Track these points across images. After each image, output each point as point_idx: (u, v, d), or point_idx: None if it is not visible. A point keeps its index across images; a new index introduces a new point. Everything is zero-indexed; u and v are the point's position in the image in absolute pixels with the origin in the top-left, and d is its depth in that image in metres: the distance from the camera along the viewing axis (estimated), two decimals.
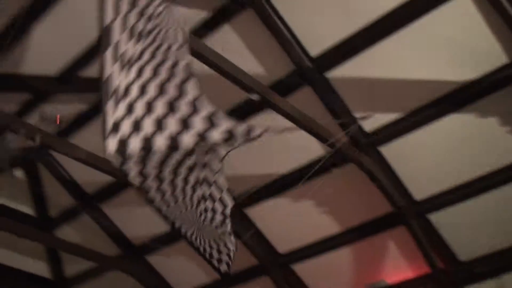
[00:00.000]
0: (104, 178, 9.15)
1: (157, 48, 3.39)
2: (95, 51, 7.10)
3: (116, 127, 3.12)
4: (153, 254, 10.11)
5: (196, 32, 6.75)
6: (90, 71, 7.52)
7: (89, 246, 9.91)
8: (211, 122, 3.19)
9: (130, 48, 3.17)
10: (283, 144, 7.79)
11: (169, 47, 3.46)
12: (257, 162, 8.21)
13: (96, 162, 7.37)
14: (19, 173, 9.87)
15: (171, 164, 3.89)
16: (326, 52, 6.78)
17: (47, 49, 7.08)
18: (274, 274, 9.04)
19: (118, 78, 3.08)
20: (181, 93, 3.33)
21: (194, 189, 4.34)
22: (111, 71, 3.05)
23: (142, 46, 3.27)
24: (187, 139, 3.19)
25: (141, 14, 3.24)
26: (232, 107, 7.68)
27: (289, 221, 8.71)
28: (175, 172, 4.03)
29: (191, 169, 4.17)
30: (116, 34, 3.09)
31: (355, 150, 7.16)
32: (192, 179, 4.23)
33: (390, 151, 7.40)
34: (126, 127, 3.14)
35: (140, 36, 3.24)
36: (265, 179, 8.35)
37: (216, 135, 3.18)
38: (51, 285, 11.40)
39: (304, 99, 7.06)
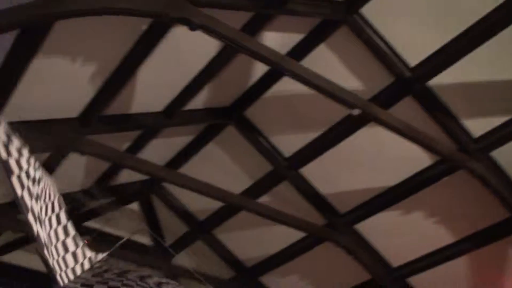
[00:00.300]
0: (214, 205, 9.49)
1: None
2: (197, 84, 7.42)
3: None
4: (267, 274, 10.26)
5: (293, 54, 6.91)
6: (193, 104, 7.84)
7: (205, 271, 10.25)
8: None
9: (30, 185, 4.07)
10: (388, 157, 7.74)
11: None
12: (363, 176, 8.20)
13: (206, 189, 7.66)
14: (134, 206, 10.39)
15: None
16: (425, 61, 6.66)
17: (152, 87, 7.45)
18: None
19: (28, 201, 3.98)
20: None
21: None
22: (22, 193, 3.93)
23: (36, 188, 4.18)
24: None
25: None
26: (333, 125, 7.75)
27: (400, 234, 8.58)
28: None
29: None
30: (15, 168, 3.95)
31: (465, 157, 6.96)
32: None
33: (502, 155, 7.13)
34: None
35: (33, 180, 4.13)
36: (373, 193, 8.31)
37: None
38: None
39: (407, 110, 6.98)
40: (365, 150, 7.86)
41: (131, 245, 10.57)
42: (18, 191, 3.96)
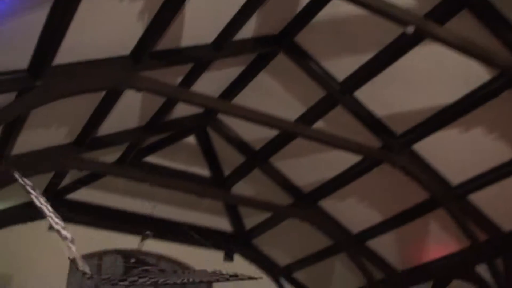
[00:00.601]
0: (269, 133, 9.57)
1: None
2: (244, 13, 7.34)
3: None
4: (325, 199, 10.39)
5: None
6: (242, 34, 7.79)
7: (263, 198, 10.48)
8: None
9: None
10: (445, 74, 7.55)
11: None
12: (419, 96, 8.06)
13: (261, 118, 7.70)
14: (191, 139, 10.59)
15: None
16: None
17: (200, 19, 7.42)
18: (450, 206, 8.89)
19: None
20: None
21: None
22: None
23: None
24: None
25: None
26: (386, 45, 7.58)
27: (459, 152, 8.48)
28: None
29: None
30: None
31: None
32: None
33: None
34: None
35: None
36: (429, 112, 8.17)
37: None
38: (233, 238, 12.24)
39: (463, 24, 6.72)
40: (420, 69, 7.69)
41: (190, 178, 10.88)
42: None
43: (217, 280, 6.97)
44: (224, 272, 6.67)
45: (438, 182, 8.85)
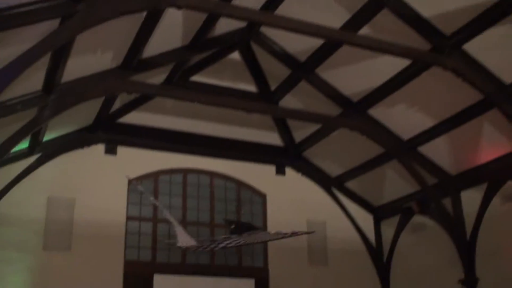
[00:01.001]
0: (314, 43, 9.41)
1: None
2: None
3: None
4: (374, 106, 10.29)
5: None
6: None
7: (312, 110, 10.44)
8: None
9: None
10: None
11: None
12: None
13: (304, 28, 7.50)
14: (235, 55, 10.52)
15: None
16: None
17: None
18: (504, 106, 8.64)
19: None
20: None
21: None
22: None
23: None
24: None
25: None
26: None
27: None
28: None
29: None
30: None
31: None
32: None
33: None
34: None
35: None
36: (480, 8, 7.81)
37: None
38: (284, 151, 12.37)
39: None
40: None
41: (237, 94, 10.90)
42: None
43: (280, 238, 8.34)
44: (284, 231, 7.93)
45: (491, 83, 8.58)
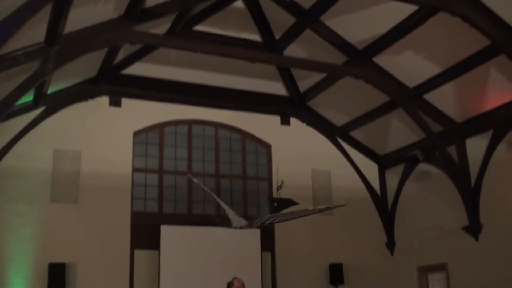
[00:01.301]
0: None
1: None
2: None
3: None
4: (380, 54, 10.18)
5: None
6: None
7: (317, 59, 10.33)
8: None
9: None
10: None
11: None
12: None
13: None
14: (239, 4, 10.33)
15: None
16: None
17: None
18: None
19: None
20: None
21: None
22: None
23: None
24: None
25: None
26: None
27: None
28: None
29: None
30: None
31: None
32: None
33: None
34: None
35: None
36: None
37: None
38: (289, 101, 12.31)
39: None
40: None
41: (241, 43, 10.77)
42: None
43: (317, 212, 8.84)
44: (319, 206, 8.98)
45: (499, 28, 8.45)
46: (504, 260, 9.95)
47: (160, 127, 11.46)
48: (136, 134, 11.17)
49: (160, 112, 11.37)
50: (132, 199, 10.86)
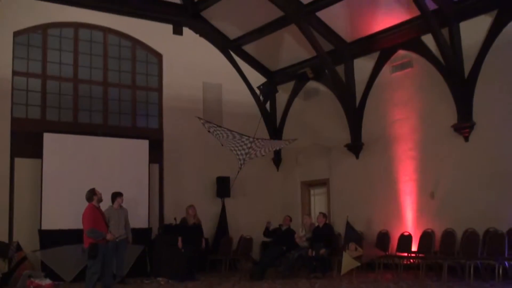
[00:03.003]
0: None
1: None
2: None
3: None
4: None
5: None
6: None
7: None
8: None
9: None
10: None
11: None
12: None
13: None
14: None
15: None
16: None
17: None
18: None
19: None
20: None
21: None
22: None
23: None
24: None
25: None
26: None
27: None
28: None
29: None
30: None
31: None
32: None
33: None
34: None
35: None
36: None
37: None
38: (182, 9, 11.88)
39: None
40: None
41: None
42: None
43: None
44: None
45: None
46: (380, 177, 10.58)
47: (43, 29, 10.72)
48: (16, 34, 10.41)
49: (44, 12, 10.62)
50: (12, 104, 10.26)
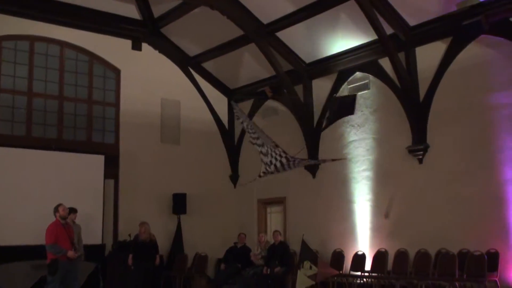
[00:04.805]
0: None
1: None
2: None
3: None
4: None
5: None
6: None
7: None
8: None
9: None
10: None
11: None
12: None
13: None
14: None
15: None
16: None
17: None
18: None
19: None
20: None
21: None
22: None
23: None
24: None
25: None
26: None
27: None
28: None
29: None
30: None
31: None
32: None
33: None
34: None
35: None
36: None
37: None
38: (141, 25, 11.82)
39: None
40: None
41: None
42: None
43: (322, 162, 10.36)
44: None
45: None
46: (336, 197, 10.68)
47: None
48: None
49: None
50: None
